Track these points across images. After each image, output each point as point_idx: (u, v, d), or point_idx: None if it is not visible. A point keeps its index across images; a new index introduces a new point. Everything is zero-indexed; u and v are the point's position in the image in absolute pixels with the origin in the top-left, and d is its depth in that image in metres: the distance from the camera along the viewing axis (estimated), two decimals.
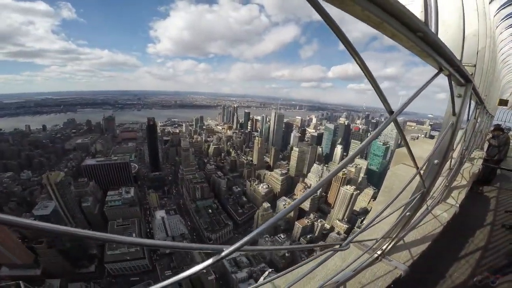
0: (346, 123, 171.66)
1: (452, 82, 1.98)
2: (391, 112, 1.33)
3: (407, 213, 2.76)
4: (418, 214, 3.79)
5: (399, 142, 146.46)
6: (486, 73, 4.71)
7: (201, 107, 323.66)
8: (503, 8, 6.43)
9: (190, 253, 76.54)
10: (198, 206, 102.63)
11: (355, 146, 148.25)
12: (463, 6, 2.26)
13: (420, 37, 1.22)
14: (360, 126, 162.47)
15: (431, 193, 4.03)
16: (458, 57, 2.02)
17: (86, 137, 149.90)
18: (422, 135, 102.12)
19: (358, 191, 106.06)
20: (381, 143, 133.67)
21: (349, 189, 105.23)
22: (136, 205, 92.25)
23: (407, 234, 3.51)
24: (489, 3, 4.44)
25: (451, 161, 4.13)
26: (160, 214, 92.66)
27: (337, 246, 2.05)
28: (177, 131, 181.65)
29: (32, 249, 70.25)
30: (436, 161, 2.44)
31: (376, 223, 2.64)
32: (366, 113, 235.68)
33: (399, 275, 2.80)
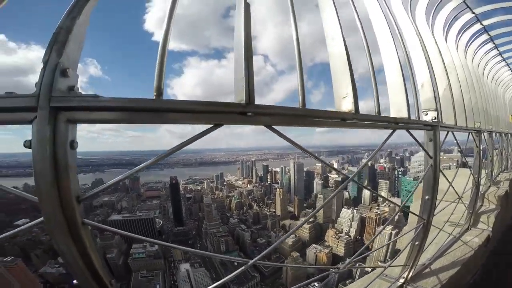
0: (369, 164, 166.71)
1: (417, 132, 2.67)
2: (347, 177, 2.09)
3: (416, 243, 3.01)
4: (444, 241, 4.06)
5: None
6: (468, 102, 4.99)
7: (220, 163, 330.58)
8: (458, 41, 6.82)
9: None
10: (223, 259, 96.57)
11: (383, 185, 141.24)
12: (410, 64, 2.84)
13: (356, 119, 1.83)
14: (385, 165, 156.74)
15: (456, 221, 4.55)
16: (413, 113, 2.60)
17: (113, 195, 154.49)
18: (454, 164, 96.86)
19: (397, 230, 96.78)
20: (411, 179, 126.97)
21: (387, 228, 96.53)
22: (160, 258, 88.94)
23: (433, 262, 3.58)
24: (436, 43, 4.55)
25: (455, 191, 4.20)
26: (184, 266, 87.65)
27: (337, 269, 2.64)
28: (199, 188, 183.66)
29: None
30: (427, 197, 2.91)
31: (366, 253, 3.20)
32: (388, 150, 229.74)
33: None
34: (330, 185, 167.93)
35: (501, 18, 7.48)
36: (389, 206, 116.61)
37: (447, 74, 4.01)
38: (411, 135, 2.39)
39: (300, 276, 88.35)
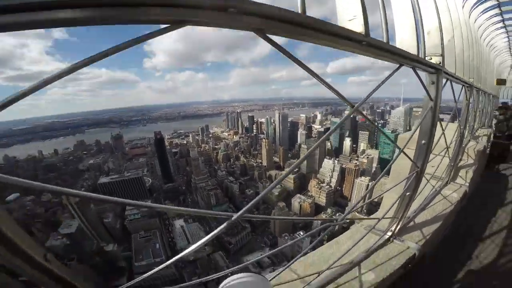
0: (352, 116, 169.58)
1: (422, 72, 2.43)
2: (352, 106, 1.65)
3: (407, 193, 2.90)
4: (427, 195, 4.05)
5: (407, 128, 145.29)
6: (466, 59, 5.14)
7: (204, 116, 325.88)
8: (466, 1, 6.74)
9: (213, 258, 77.99)
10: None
11: (363, 136, 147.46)
12: (418, 5, 2.51)
13: (366, 45, 1.55)
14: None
15: (437, 175, 4.43)
16: (422, 51, 2.46)
17: (98, 157, 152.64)
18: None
19: (373, 181, 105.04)
20: (390, 131, 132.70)
21: (364, 180, 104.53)
22: (155, 217, 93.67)
23: (417, 215, 3.63)
24: None
25: (445, 141, 4.17)
26: (179, 223, 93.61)
27: (334, 221, 2.38)
28: (185, 142, 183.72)
29: (67, 266, 71.68)
30: (423, 142, 2.73)
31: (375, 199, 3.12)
32: (370, 103, 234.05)
33: (412, 254, 2.90)
34: (314, 136, 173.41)
35: None
36: (367, 157, 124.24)
37: (452, 27, 4.15)
38: (416, 73, 2.34)
39: (286, 225, 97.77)
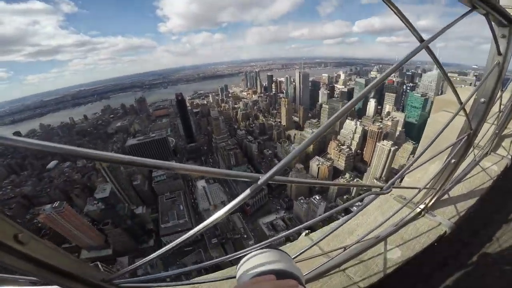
0: (378, 77, 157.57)
1: (493, 23, 1.90)
2: (421, 40, 1.23)
3: (452, 160, 2.46)
4: (464, 165, 3.60)
5: (439, 93, 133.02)
6: None
7: (223, 76, 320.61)
8: None
9: (232, 220, 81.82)
10: None
11: (389, 98, 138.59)
12: None
13: None
14: (394, 79, 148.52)
15: (476, 143, 3.84)
16: None
17: (124, 120, 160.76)
18: (466, 86, 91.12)
19: (396, 147, 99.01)
20: (419, 94, 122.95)
21: (386, 144, 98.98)
22: (179, 178, 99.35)
23: (452, 188, 3.24)
24: None
25: (500, 105, 3.58)
26: (201, 184, 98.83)
27: (377, 190, 1.87)
28: (205, 102, 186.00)
29: (101, 231, 79.55)
30: (482, 100, 2.20)
31: (416, 168, 2.32)
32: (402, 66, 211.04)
33: (443, 232, 2.63)
34: (336, 96, 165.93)
35: None
36: (392, 120, 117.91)
37: None
38: (489, 22, 1.81)
39: (303, 189, 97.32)
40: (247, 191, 0.92)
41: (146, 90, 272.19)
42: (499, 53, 2.04)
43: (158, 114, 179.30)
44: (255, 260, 1.01)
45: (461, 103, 1.91)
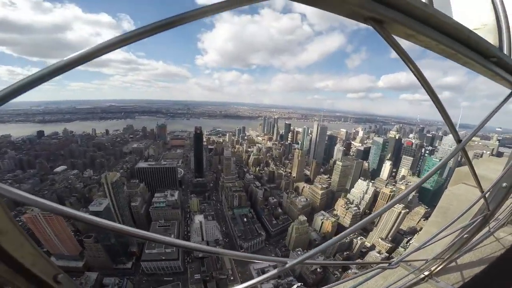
0: (397, 137, 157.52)
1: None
2: (459, 140, 1.22)
3: (465, 235, 2.53)
4: (478, 236, 3.47)
5: (459, 159, 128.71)
6: None
7: (243, 117, 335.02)
8: None
9: (221, 259, 78.26)
10: (234, 213, 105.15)
11: (406, 162, 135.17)
12: None
13: (493, 62, 1.15)
14: (413, 141, 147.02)
15: (496, 216, 3.79)
16: None
17: (141, 142, 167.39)
18: (488, 152, 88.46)
19: (407, 210, 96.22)
20: (438, 160, 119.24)
21: (397, 207, 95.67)
22: (178, 208, 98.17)
23: (461, 256, 3.27)
24: None
25: None
26: (198, 218, 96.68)
27: (385, 265, 1.95)
28: (221, 140, 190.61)
29: (80, 242, 78.49)
30: (504, 184, 2.18)
31: (428, 244, 2.45)
32: (421, 126, 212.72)
33: None
34: (352, 153, 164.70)
35: None
36: (406, 184, 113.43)
37: None
38: None
39: (303, 240, 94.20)
40: (274, 271, 0.97)
41: (169, 118, 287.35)
42: None
43: (174, 144, 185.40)
44: None
45: (482, 191, 1.95)
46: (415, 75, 0.98)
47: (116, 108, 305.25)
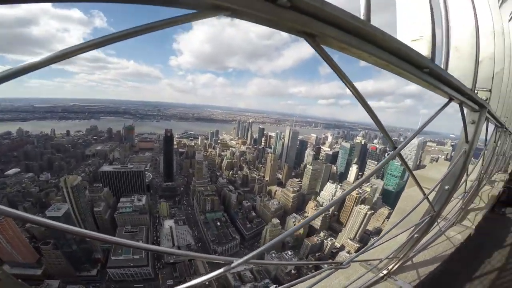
0: (363, 142, 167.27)
1: (465, 109, 2.03)
2: (394, 147, 1.35)
3: (415, 235, 2.73)
4: (430, 235, 3.79)
5: (418, 162, 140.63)
6: (507, 95, 4.58)
7: (217, 121, 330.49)
8: None
9: (194, 264, 75.96)
10: (207, 218, 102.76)
11: (371, 166, 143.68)
12: (478, 30, 2.21)
13: (426, 73, 1.24)
14: (378, 146, 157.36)
15: (444, 215, 4.21)
16: (471, 84, 2.12)
17: (106, 145, 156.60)
18: (443, 157, 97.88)
19: (373, 211, 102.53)
20: (399, 164, 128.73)
21: (363, 208, 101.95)
22: (146, 213, 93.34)
23: (416, 255, 3.47)
24: (509, 21, 4.32)
25: (466, 184, 4.02)
26: (168, 223, 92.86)
27: (338, 264, 2.06)
28: (193, 143, 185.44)
29: (37, 249, 72.45)
30: (446, 187, 2.44)
31: (384, 242, 2.75)
32: None
33: None
34: (321, 158, 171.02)
35: None
36: (371, 186, 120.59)
37: (504, 56, 3.48)
38: (462, 110, 1.91)
39: (277, 243, 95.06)
40: (220, 270, 0.95)
41: (137, 119, 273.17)
42: (467, 141, 2.21)
43: (142, 146, 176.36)
44: None
45: (424, 194, 2.17)
46: (347, 86, 1.02)
47: (79, 108, 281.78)
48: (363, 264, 2.99)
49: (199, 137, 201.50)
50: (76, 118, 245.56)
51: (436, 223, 3.30)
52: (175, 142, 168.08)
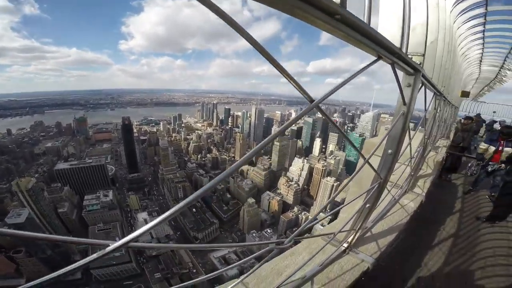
0: (323, 118, 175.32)
1: (399, 72, 2.05)
2: (311, 101, 1.25)
3: (367, 205, 2.69)
4: (385, 204, 3.93)
5: (374, 132, 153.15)
6: (443, 66, 4.94)
7: (179, 104, 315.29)
8: (459, 3, 6.59)
9: (178, 254, 75.64)
10: None
11: (333, 138, 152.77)
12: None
13: (339, 20, 1.13)
14: (337, 119, 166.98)
15: (395, 183, 4.36)
16: (403, 46, 2.14)
17: (57, 140, 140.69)
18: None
19: (338, 182, 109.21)
20: (358, 135, 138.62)
21: (330, 180, 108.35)
22: (115, 208, 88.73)
23: (374, 226, 3.50)
24: None
25: (411, 149, 4.04)
26: (142, 216, 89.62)
27: (280, 244, 1.81)
28: (155, 130, 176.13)
29: (11, 259, 67.41)
30: (390, 151, 2.40)
31: (344, 214, 2.98)
32: (343, 106, 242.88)
33: (366, 268, 2.78)
34: (287, 133, 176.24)
35: None
36: (335, 158, 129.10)
37: (438, 28, 3.91)
38: (394, 71, 1.90)
39: (255, 222, 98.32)
40: (94, 255, 0.82)
41: (89, 110, 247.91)
42: (404, 103, 2.20)
43: (99, 138, 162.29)
44: None
45: (364, 158, 2.06)
46: (251, 43, 0.93)
47: (17, 103, 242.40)
48: (325, 238, 3.02)
49: (161, 123, 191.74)
50: (15, 114, 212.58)
51: (387, 191, 3.58)
52: (135, 130, 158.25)
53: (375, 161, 2.37)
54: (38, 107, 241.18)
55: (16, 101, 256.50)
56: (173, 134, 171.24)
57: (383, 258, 3.04)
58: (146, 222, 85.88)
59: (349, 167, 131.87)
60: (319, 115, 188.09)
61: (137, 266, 74.64)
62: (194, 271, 71.13)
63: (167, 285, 66.80)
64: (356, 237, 2.97)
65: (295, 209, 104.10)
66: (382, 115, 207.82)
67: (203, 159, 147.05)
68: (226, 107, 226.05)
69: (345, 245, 2.97)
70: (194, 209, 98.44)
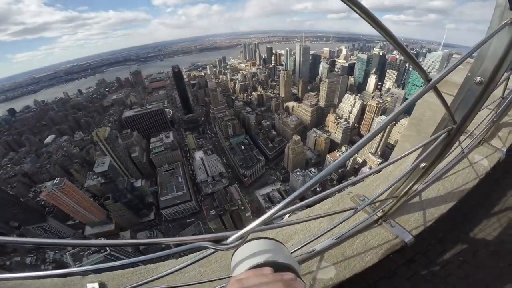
0: (381, 53, 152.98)
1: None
2: (428, 80, 0.97)
3: (422, 164, 1.67)
4: (448, 160, 2.78)
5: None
6: None
7: (221, 48, 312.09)
8: None
9: (230, 192, 79.99)
10: (231, 143, 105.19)
11: (391, 75, 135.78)
12: None
13: None
14: (398, 57, 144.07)
15: (465, 132, 2.70)
16: None
17: (120, 93, 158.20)
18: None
19: (394, 122, 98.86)
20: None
21: (384, 119, 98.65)
22: (177, 149, 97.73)
23: (426, 189, 2.51)
24: None
25: (506, 84, 2.70)
26: (199, 155, 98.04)
27: (217, 244, 1.05)
28: (203, 73, 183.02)
29: (103, 206, 78.69)
30: (478, 79, 1.21)
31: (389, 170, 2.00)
32: (405, 44, 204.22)
33: (399, 247, 2.08)
34: (337, 70, 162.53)
35: None
36: (392, 96, 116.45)
37: None
38: None
39: (300, 161, 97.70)
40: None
41: (141, 63, 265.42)
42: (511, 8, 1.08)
43: (154, 86, 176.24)
44: (250, 249, 0.93)
45: (429, 80, 1.06)
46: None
47: (79, 67, 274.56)
48: (355, 199, 2.34)
49: (207, 67, 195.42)
50: (81, 77, 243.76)
51: (457, 143, 2.32)
52: (185, 76, 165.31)
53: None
54: (97, 68, 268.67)
55: (77, 65, 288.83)
56: (220, 76, 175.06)
57: (427, 236, 2.21)
58: (202, 160, 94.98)
59: (409, 107, 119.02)
60: (374, 51, 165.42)
61: (197, 204, 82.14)
62: (243, 208, 75.22)
63: (219, 222, 72.40)
64: (397, 205, 2.15)
65: (343, 148, 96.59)
66: (454, 55, 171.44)
67: (249, 97, 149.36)
68: (268, 46, 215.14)
69: (379, 213, 2.20)
70: (243, 147, 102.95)
